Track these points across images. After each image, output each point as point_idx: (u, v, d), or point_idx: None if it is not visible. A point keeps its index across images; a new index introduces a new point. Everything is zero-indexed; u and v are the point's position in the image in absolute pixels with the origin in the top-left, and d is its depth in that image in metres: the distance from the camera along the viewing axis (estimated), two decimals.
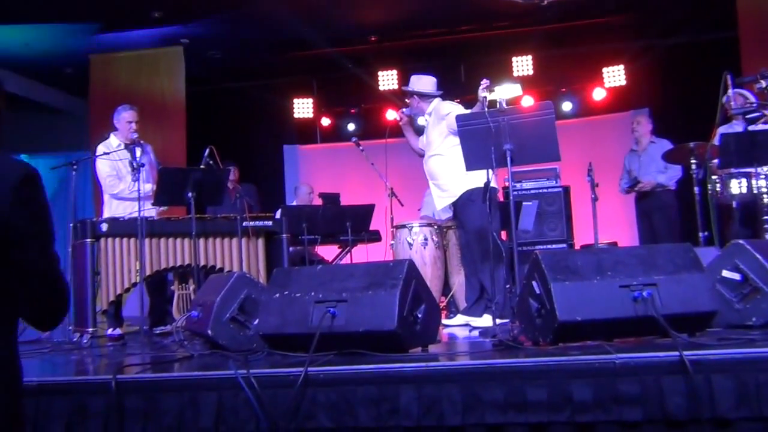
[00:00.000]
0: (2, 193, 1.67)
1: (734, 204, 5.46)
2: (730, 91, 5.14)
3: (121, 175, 5.52)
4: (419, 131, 5.49)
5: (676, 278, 3.03)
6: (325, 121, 10.48)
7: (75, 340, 4.92)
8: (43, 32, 8.39)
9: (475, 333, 4.39)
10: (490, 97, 4.26)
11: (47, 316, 1.79)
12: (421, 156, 5.33)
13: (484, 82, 4.55)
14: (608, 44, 9.43)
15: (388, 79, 9.96)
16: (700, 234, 5.75)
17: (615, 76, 9.59)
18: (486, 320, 4.74)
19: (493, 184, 4.80)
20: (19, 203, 1.68)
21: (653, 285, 2.98)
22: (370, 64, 9.87)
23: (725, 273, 3.47)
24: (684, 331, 2.96)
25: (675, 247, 3.25)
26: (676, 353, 2.55)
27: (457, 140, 4.87)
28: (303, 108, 10.38)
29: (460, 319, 5.02)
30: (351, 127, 10.27)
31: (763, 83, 5.11)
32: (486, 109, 4.36)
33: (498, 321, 4.15)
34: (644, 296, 2.94)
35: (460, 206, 5.05)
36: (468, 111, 4.96)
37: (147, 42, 8.84)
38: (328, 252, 7.62)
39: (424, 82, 5.28)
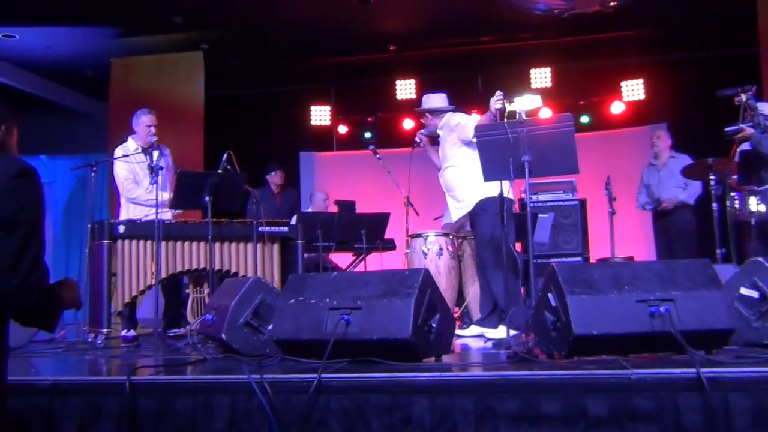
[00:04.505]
0: None
1: (753, 221, 5.40)
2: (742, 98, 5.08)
3: (138, 179, 5.54)
4: None
5: (694, 294, 3.00)
6: (342, 129, 10.51)
7: (89, 340, 4.94)
8: (65, 35, 8.49)
9: (489, 344, 4.37)
10: (509, 107, 4.24)
11: None
12: None
13: (498, 94, 4.52)
14: (627, 58, 9.42)
15: (406, 89, 9.99)
16: (718, 251, 5.70)
17: (634, 90, 9.56)
18: (500, 332, 4.71)
19: (509, 195, 4.80)
20: (10, 190, 1.84)
21: (671, 301, 2.95)
22: (389, 73, 9.90)
23: (743, 290, 3.43)
24: (701, 348, 2.92)
25: (693, 262, 3.21)
26: (693, 370, 2.53)
27: (469, 150, 4.89)
28: (320, 115, 10.42)
29: (474, 329, 5.00)
30: (368, 135, 10.29)
31: (743, 97, 5.04)
32: (497, 120, 4.35)
33: (512, 332, 4.13)
34: (661, 312, 2.91)
35: (474, 216, 5.04)
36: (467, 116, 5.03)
37: (167, 46, 8.92)
38: (342, 259, 7.61)
39: (434, 99, 5.32)
